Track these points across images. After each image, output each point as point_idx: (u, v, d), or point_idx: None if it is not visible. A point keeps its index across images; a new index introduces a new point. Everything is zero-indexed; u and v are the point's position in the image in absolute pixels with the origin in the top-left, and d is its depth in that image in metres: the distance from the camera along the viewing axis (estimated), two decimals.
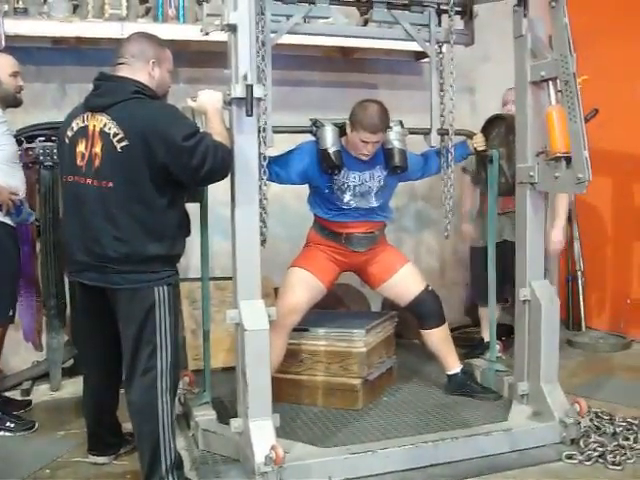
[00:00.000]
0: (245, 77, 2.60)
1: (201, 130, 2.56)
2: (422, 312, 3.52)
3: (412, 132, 3.45)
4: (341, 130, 3.27)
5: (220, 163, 2.50)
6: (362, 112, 3.18)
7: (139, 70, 2.60)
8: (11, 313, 3.35)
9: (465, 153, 3.57)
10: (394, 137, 3.34)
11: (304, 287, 3.35)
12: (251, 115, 2.60)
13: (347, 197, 3.34)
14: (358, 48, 4.51)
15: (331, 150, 3.20)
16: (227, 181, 2.73)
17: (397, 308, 3.89)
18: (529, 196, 3.16)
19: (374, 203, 3.39)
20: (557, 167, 2.92)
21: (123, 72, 2.59)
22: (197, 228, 2.99)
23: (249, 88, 2.56)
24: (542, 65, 3.01)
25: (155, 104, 2.56)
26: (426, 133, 3.47)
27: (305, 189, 3.46)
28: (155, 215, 2.50)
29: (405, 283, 3.52)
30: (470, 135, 3.55)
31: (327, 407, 3.44)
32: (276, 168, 3.19)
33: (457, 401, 3.50)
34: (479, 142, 3.50)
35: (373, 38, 3.86)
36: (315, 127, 3.27)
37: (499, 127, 3.49)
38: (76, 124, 2.58)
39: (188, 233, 2.72)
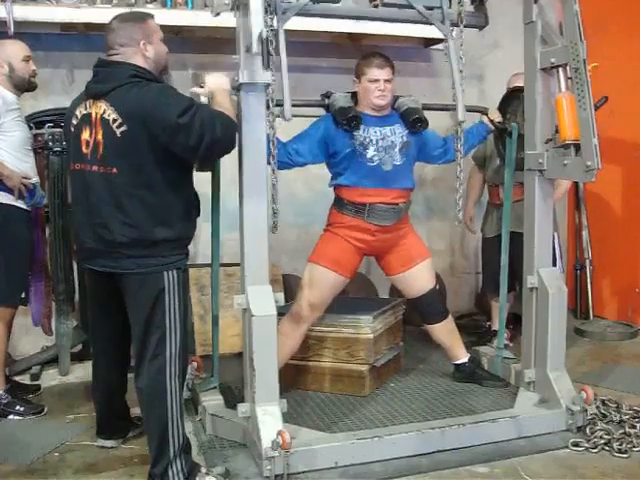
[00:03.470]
0: (260, 35, 2.52)
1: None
2: (425, 310, 3.52)
3: (425, 107, 3.44)
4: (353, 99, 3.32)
5: (220, 132, 2.44)
6: (364, 58, 3.31)
7: (133, 55, 2.58)
8: (23, 296, 3.38)
9: (484, 131, 3.54)
10: (408, 102, 3.37)
11: (327, 285, 3.30)
12: (268, 67, 2.58)
13: (371, 151, 3.26)
14: (367, 34, 4.48)
15: (346, 105, 3.25)
16: (235, 167, 2.73)
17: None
18: (538, 183, 3.16)
19: (398, 160, 3.31)
20: (566, 154, 2.91)
21: (118, 58, 2.58)
22: (205, 214, 2.97)
23: (265, 41, 2.53)
24: (552, 52, 2.99)
25: (151, 86, 2.52)
26: (439, 109, 3.49)
27: (315, 176, 3.43)
28: (161, 198, 2.50)
29: (418, 278, 3.48)
30: (484, 112, 3.52)
31: (334, 393, 3.46)
32: (294, 145, 3.22)
33: (464, 388, 3.51)
34: (495, 115, 3.49)
35: (385, 20, 3.77)
36: (326, 98, 3.32)
37: (513, 101, 3.46)
38: (79, 112, 2.58)
39: (197, 214, 2.71)
